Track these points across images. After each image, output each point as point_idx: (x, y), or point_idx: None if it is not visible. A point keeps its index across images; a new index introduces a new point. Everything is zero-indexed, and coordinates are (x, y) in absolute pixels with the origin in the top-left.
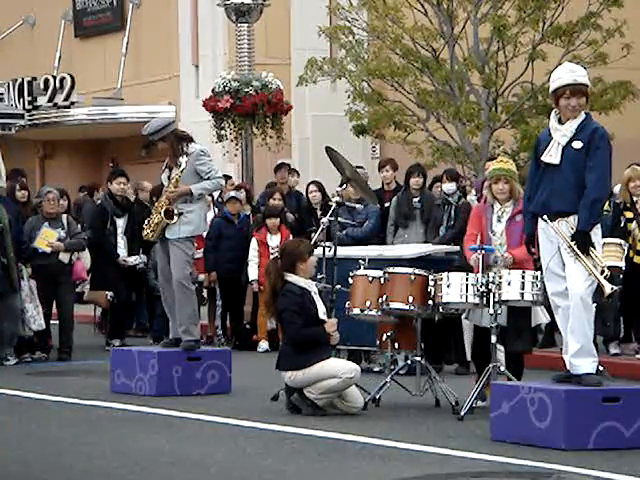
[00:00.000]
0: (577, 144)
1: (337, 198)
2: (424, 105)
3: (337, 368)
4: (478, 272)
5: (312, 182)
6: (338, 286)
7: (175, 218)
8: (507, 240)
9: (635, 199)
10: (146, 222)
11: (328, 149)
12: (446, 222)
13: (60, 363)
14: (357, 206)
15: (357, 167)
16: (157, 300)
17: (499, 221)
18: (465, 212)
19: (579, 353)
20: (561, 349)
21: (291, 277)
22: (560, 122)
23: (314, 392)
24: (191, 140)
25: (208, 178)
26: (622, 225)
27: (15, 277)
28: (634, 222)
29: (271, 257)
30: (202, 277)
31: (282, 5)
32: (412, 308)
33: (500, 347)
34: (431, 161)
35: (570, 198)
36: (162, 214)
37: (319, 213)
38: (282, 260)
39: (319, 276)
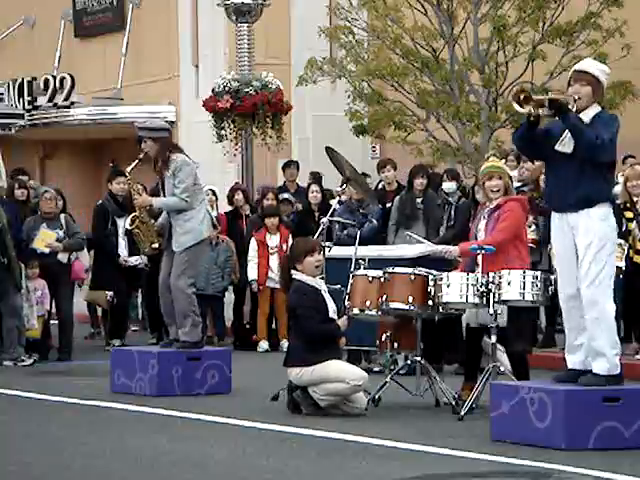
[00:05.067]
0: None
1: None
2: (424, 105)
3: (346, 373)
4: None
5: (313, 182)
6: (338, 286)
7: (136, 222)
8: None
9: (635, 199)
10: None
11: (328, 149)
12: (446, 222)
13: (60, 363)
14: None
15: (363, 174)
16: (217, 301)
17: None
18: (465, 212)
19: (593, 352)
20: (562, 349)
21: (299, 275)
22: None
23: (319, 392)
24: (180, 150)
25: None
26: (625, 227)
27: (18, 276)
28: (634, 222)
29: (270, 257)
30: None
31: (282, 5)
32: (412, 308)
33: (500, 347)
34: (431, 161)
35: (584, 188)
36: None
37: (317, 215)
38: (290, 255)
39: (320, 276)
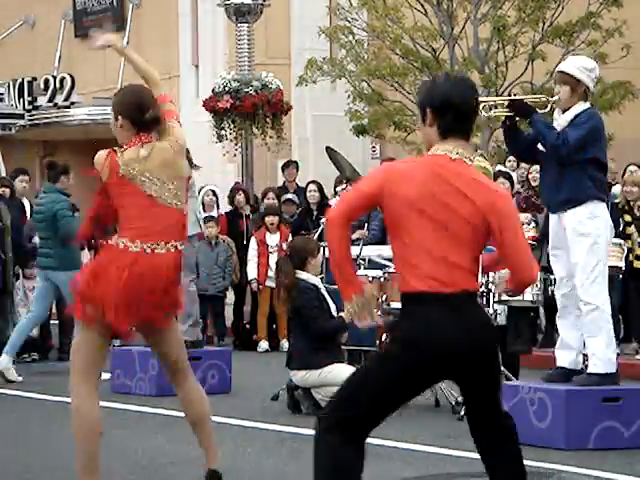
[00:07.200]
0: None
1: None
2: None
3: None
4: None
5: (312, 182)
6: (336, 286)
7: None
8: None
9: (632, 203)
10: None
11: (328, 149)
12: None
13: (60, 363)
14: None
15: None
16: (218, 300)
17: None
18: None
19: (589, 351)
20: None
21: (302, 274)
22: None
23: (322, 394)
24: None
25: None
26: (622, 227)
27: (10, 277)
28: (632, 226)
29: (270, 256)
30: None
31: (282, 5)
32: None
33: None
34: None
35: (567, 188)
36: None
37: (315, 214)
38: (292, 258)
39: (319, 276)
